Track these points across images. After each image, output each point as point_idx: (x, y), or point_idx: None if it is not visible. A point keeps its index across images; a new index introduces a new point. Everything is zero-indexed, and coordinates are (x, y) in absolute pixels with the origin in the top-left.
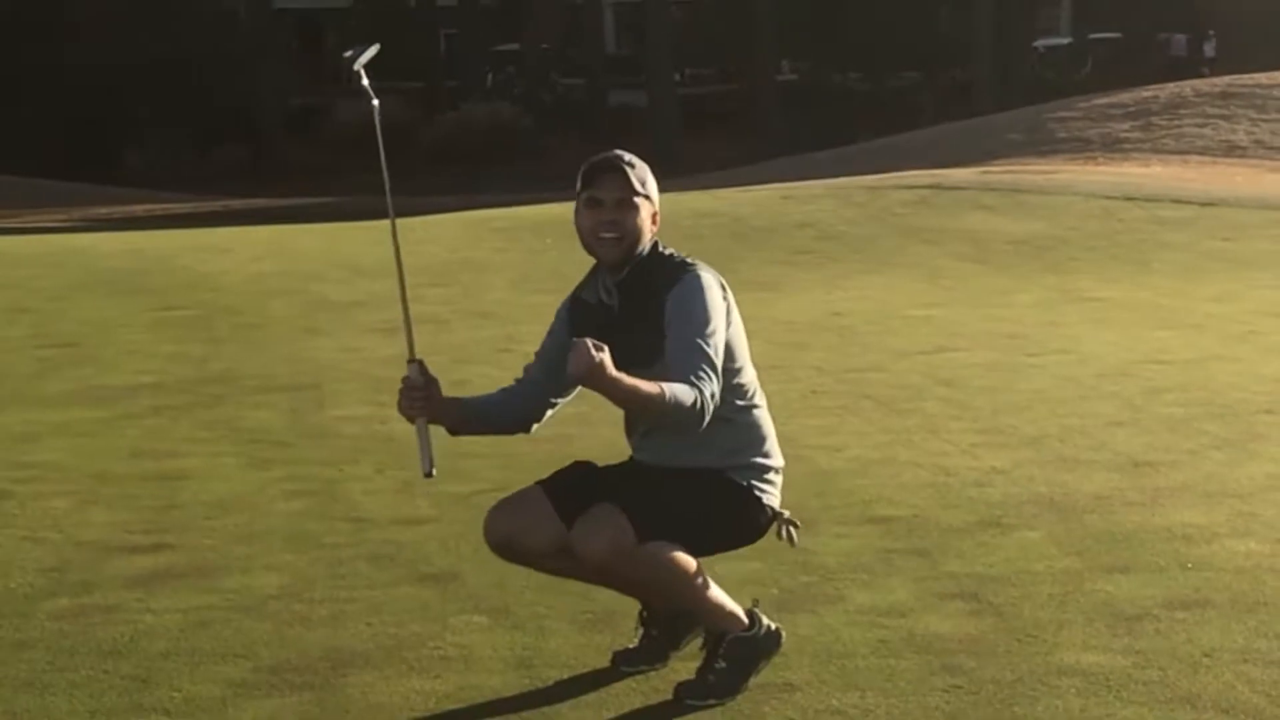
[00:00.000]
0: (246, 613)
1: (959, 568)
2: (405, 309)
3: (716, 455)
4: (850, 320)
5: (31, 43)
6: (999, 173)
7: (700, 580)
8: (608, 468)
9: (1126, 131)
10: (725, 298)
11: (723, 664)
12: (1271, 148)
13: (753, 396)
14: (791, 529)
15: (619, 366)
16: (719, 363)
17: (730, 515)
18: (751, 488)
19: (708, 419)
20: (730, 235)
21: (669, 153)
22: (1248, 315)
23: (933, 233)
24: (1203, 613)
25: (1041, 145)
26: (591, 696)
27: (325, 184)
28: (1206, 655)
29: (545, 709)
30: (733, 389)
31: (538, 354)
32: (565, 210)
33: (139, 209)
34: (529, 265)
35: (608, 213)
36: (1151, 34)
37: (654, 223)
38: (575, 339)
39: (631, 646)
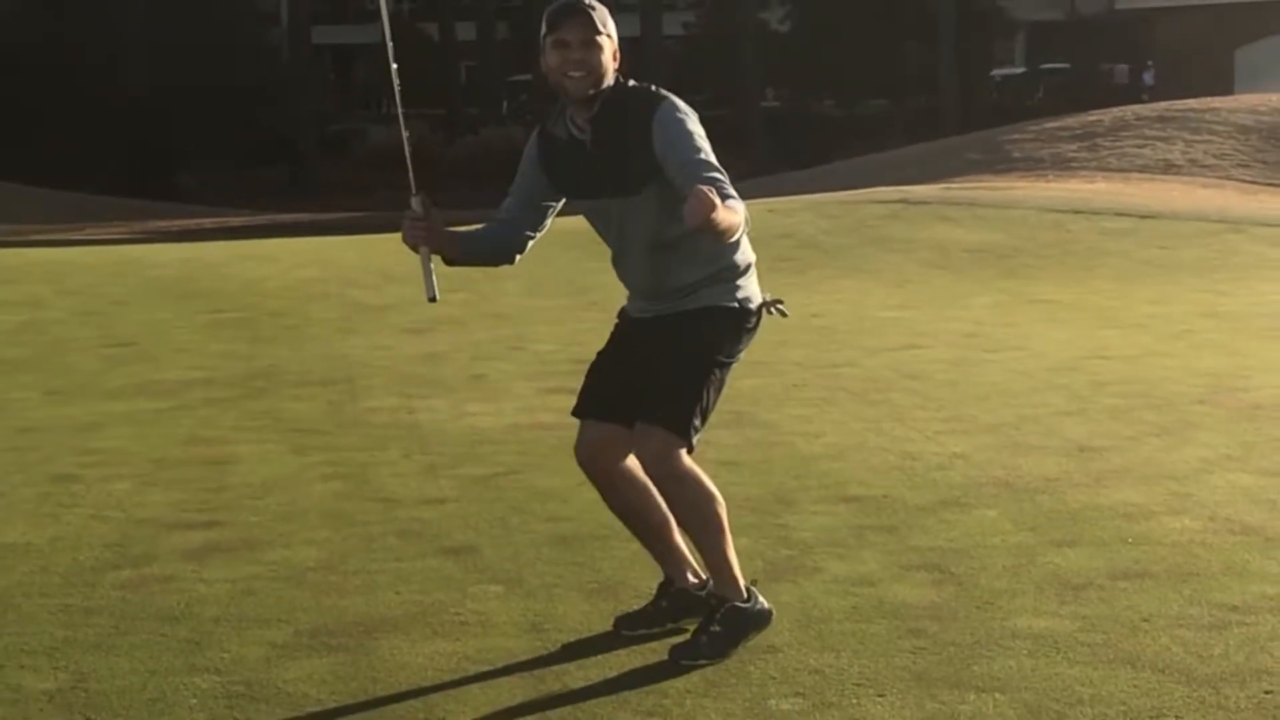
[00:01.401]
0: (288, 582)
1: (923, 542)
2: (406, 146)
3: (712, 261)
4: (827, 321)
5: (97, 74)
6: (960, 189)
7: (724, 534)
8: (616, 362)
9: (1074, 152)
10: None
11: (717, 628)
12: (1204, 166)
13: None
14: (779, 306)
15: (599, 194)
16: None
17: (736, 337)
18: (740, 304)
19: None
20: None
21: None
22: (1182, 316)
23: (901, 243)
24: (1141, 582)
25: (998, 164)
26: (596, 658)
27: (358, 199)
28: (1145, 620)
29: (555, 668)
30: None
31: (512, 192)
32: (570, 223)
33: (191, 223)
34: (539, 273)
35: (574, 52)
36: (1097, 64)
37: (615, 60)
38: (695, 189)
39: (633, 610)
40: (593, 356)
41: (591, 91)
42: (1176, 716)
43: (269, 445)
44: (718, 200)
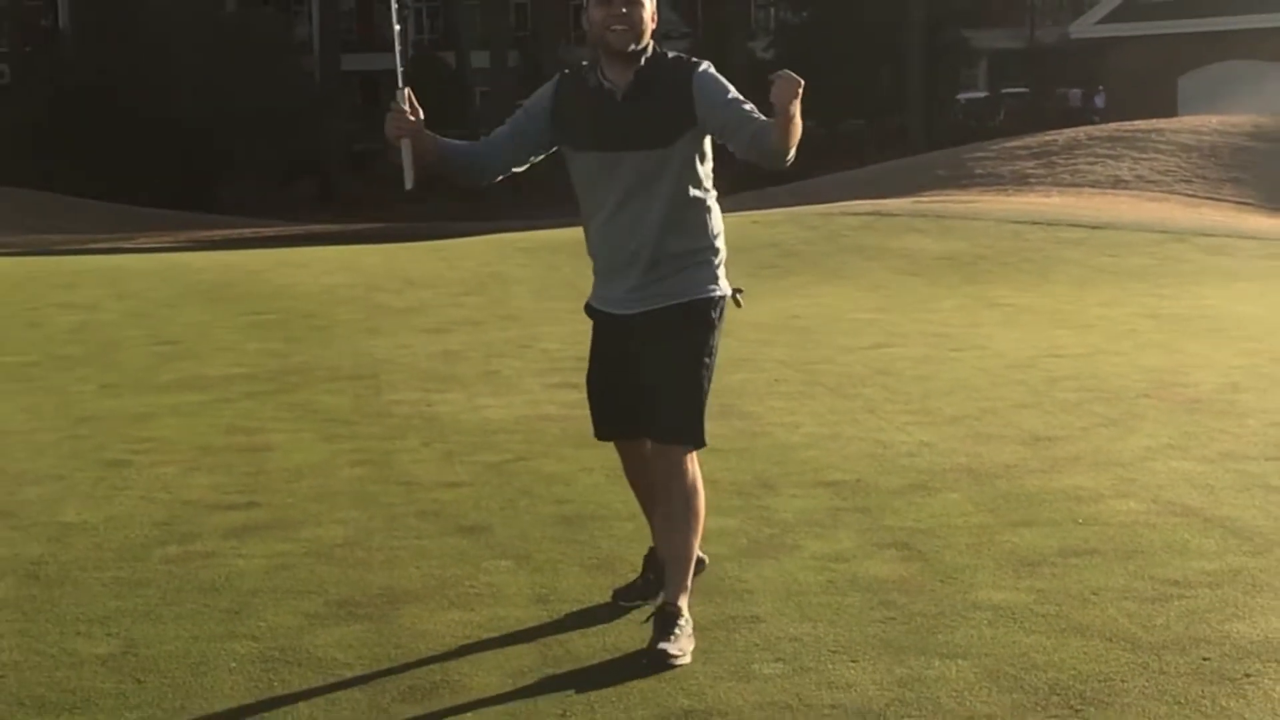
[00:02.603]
0: (318, 558)
1: (893, 522)
2: (397, 44)
3: (699, 235)
4: (807, 322)
5: (146, 96)
6: (928, 202)
7: (700, 533)
8: (619, 373)
9: (1032, 168)
10: None
11: (676, 630)
12: (1150, 181)
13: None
14: (739, 295)
15: (626, 145)
16: None
17: (719, 327)
18: (720, 296)
19: (778, 168)
20: None
21: None
22: (1129, 317)
23: (874, 251)
24: (1090, 559)
25: (962, 180)
26: (596, 626)
27: (381, 212)
28: (1093, 593)
29: (559, 636)
30: (710, 177)
31: (510, 122)
32: (575, 234)
33: (231, 233)
34: (547, 278)
35: (618, 7)
36: (1053, 89)
37: (654, 21)
38: (782, 73)
39: (627, 584)
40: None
41: (633, 47)
42: (1122, 681)
43: (302, 434)
44: (800, 86)
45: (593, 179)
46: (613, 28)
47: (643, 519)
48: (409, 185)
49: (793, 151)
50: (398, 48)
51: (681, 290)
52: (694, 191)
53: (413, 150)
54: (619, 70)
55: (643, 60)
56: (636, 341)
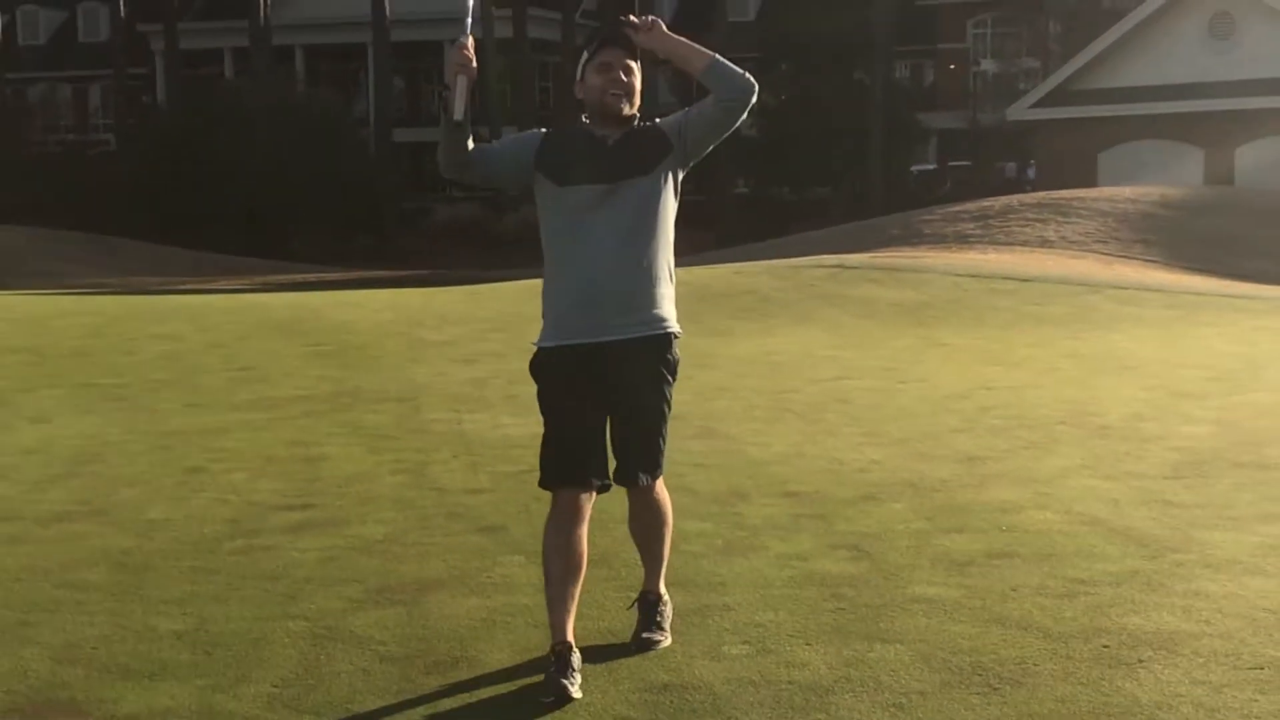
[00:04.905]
0: (361, 552)
1: (845, 527)
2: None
3: (666, 272)
4: (779, 357)
5: (227, 162)
6: (883, 258)
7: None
8: (585, 414)
9: (972, 230)
10: None
11: (659, 616)
12: (1071, 242)
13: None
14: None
15: (617, 178)
16: None
17: (676, 369)
18: (678, 332)
19: (752, 91)
20: (698, 298)
21: None
22: (1051, 357)
23: (837, 298)
24: (1011, 561)
25: (913, 239)
26: (593, 612)
27: (426, 261)
28: (1012, 590)
29: None
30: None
31: (500, 142)
32: None
33: (299, 277)
34: None
35: (615, 73)
36: (992, 163)
37: (640, 91)
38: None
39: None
40: None
41: (627, 110)
42: (1034, 664)
43: (351, 447)
44: (661, 25)
45: (579, 212)
46: (611, 92)
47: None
48: (458, 117)
49: (721, 61)
50: (471, 3)
51: (657, 321)
52: (668, 229)
53: (466, 88)
54: (611, 131)
55: (634, 124)
56: (612, 368)
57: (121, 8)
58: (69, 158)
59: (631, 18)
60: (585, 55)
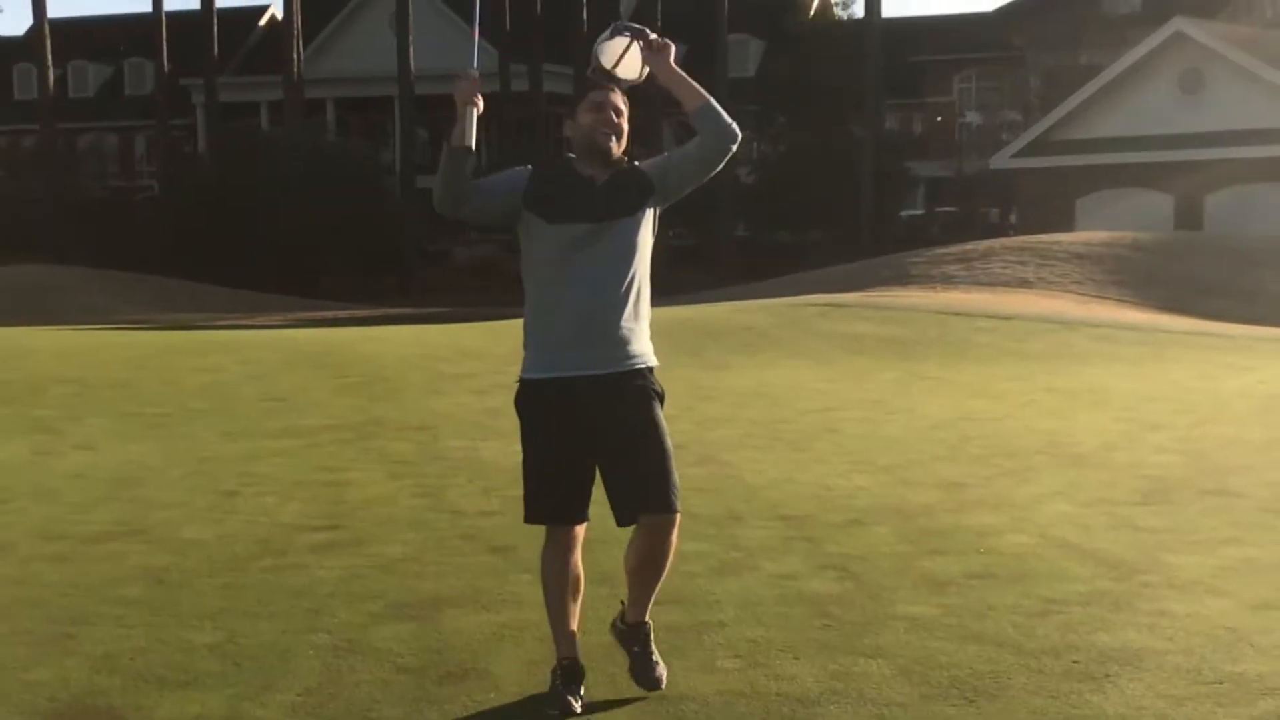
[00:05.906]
0: (382, 570)
1: (833, 549)
2: (475, 33)
3: (646, 308)
4: (774, 390)
5: (263, 206)
6: (874, 297)
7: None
8: (577, 453)
9: (956, 271)
10: None
11: (652, 648)
12: (1049, 282)
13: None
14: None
15: (605, 217)
16: None
17: (663, 397)
18: (654, 364)
19: (736, 140)
20: (700, 334)
21: (664, 281)
22: (1030, 390)
23: (829, 335)
24: (988, 581)
25: (902, 279)
26: (596, 627)
27: (447, 298)
28: (989, 609)
29: None
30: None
31: (489, 179)
32: None
33: (329, 314)
34: None
35: (607, 113)
36: (976, 208)
37: (627, 124)
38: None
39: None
40: None
41: (615, 150)
42: (1008, 678)
43: (374, 473)
44: (673, 51)
45: (568, 248)
46: (601, 130)
47: None
48: (469, 144)
49: (714, 105)
50: (476, 37)
51: (638, 356)
52: (647, 266)
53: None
54: (598, 169)
55: (619, 165)
56: (597, 402)
57: (165, 63)
58: (116, 203)
59: (649, 32)
60: (581, 97)
